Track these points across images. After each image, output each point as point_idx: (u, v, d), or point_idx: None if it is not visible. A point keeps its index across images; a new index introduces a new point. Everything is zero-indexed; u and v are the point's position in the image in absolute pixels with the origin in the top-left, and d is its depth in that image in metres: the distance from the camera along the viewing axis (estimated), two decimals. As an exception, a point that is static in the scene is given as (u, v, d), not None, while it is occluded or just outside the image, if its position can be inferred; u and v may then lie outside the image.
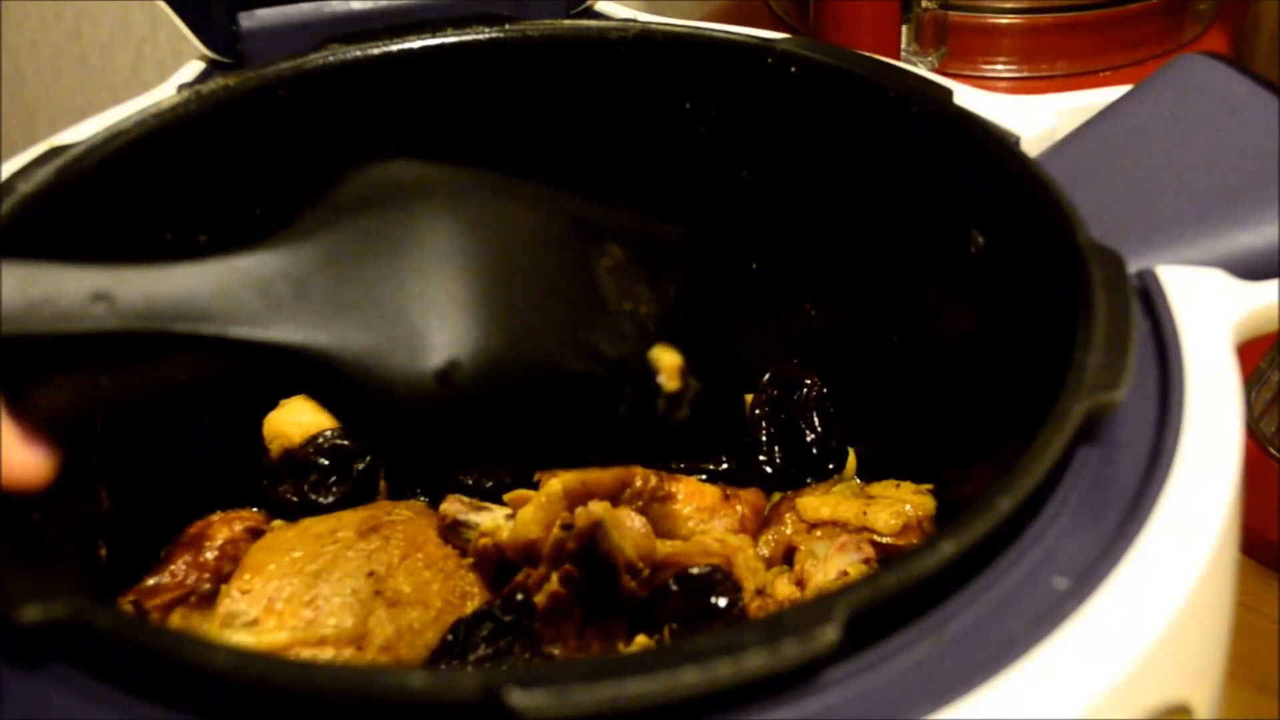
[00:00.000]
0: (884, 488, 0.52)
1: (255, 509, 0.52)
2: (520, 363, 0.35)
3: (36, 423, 0.32)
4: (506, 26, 0.54)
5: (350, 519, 0.49)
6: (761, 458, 0.54)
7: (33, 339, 0.31)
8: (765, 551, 0.50)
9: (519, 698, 0.27)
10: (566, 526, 0.46)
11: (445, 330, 0.34)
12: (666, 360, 0.38)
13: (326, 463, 0.52)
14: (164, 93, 0.52)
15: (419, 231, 0.35)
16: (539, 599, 0.45)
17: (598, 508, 0.46)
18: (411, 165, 0.37)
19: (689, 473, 0.52)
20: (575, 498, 0.47)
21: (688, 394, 0.38)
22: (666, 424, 0.38)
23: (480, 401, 0.35)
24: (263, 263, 0.33)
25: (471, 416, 0.35)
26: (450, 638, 0.44)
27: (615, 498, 0.48)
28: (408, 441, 0.35)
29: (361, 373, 0.33)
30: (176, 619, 0.47)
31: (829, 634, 0.28)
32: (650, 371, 0.38)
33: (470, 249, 0.36)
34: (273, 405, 0.54)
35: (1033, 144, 0.48)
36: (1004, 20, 0.81)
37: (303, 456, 0.52)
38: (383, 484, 0.53)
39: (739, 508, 0.51)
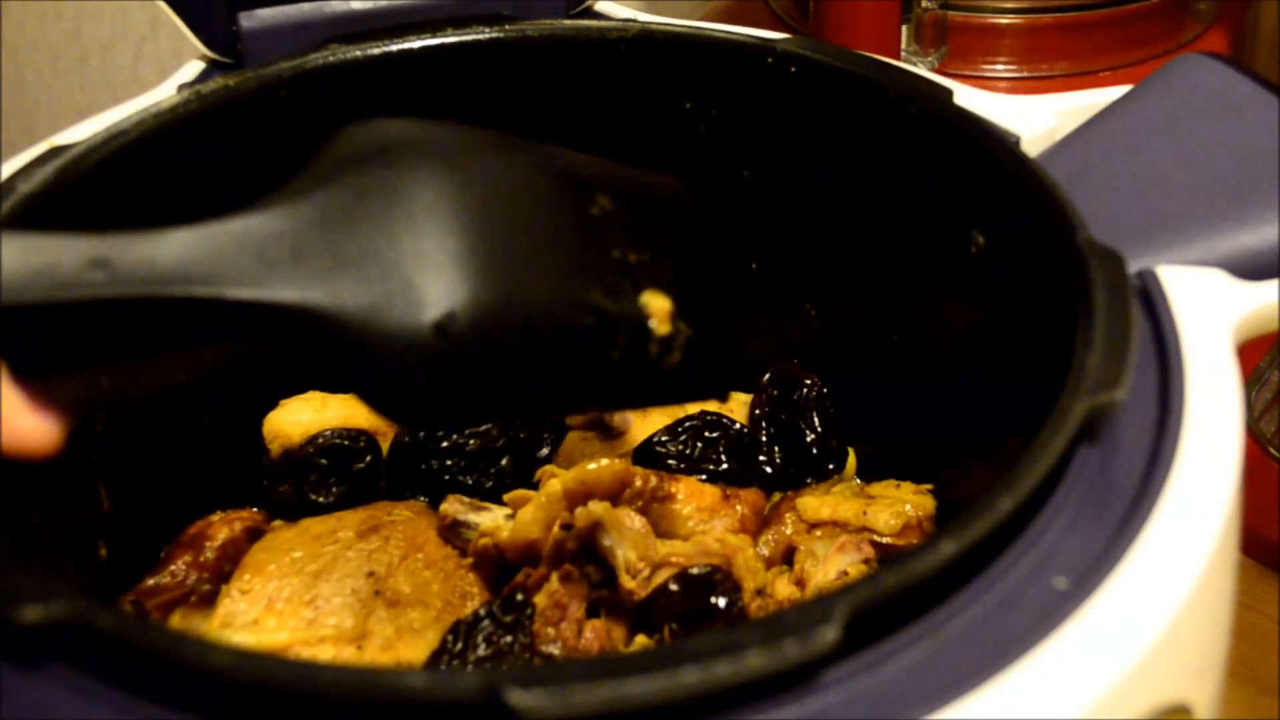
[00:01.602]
0: (884, 488, 0.52)
1: (255, 509, 0.52)
2: (514, 313, 0.36)
3: (42, 391, 0.32)
4: (506, 26, 0.54)
5: (350, 519, 0.49)
6: (761, 458, 0.54)
7: (34, 308, 0.31)
8: (765, 551, 0.50)
9: (519, 698, 0.27)
10: (566, 526, 0.46)
11: (440, 284, 0.35)
12: (657, 305, 0.38)
13: (326, 463, 0.52)
14: (164, 93, 0.52)
15: (410, 187, 0.36)
16: (539, 599, 0.45)
17: (598, 508, 0.46)
18: (400, 122, 0.38)
19: (689, 473, 0.52)
20: (575, 498, 0.47)
21: (679, 338, 0.39)
22: (659, 368, 0.38)
23: (477, 353, 0.35)
24: (258, 224, 0.34)
25: (469, 368, 0.35)
26: (450, 638, 0.44)
27: (615, 498, 0.48)
28: (408, 397, 0.35)
29: (359, 329, 0.34)
30: (176, 619, 0.47)
31: (829, 634, 0.28)
32: (642, 317, 0.38)
33: (461, 203, 0.36)
34: (273, 405, 0.54)
35: (1033, 144, 0.48)
36: (1004, 20, 0.81)
37: (303, 456, 0.52)
38: (382, 484, 0.53)
39: (739, 508, 0.51)
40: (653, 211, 0.41)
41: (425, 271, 0.35)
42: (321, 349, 0.34)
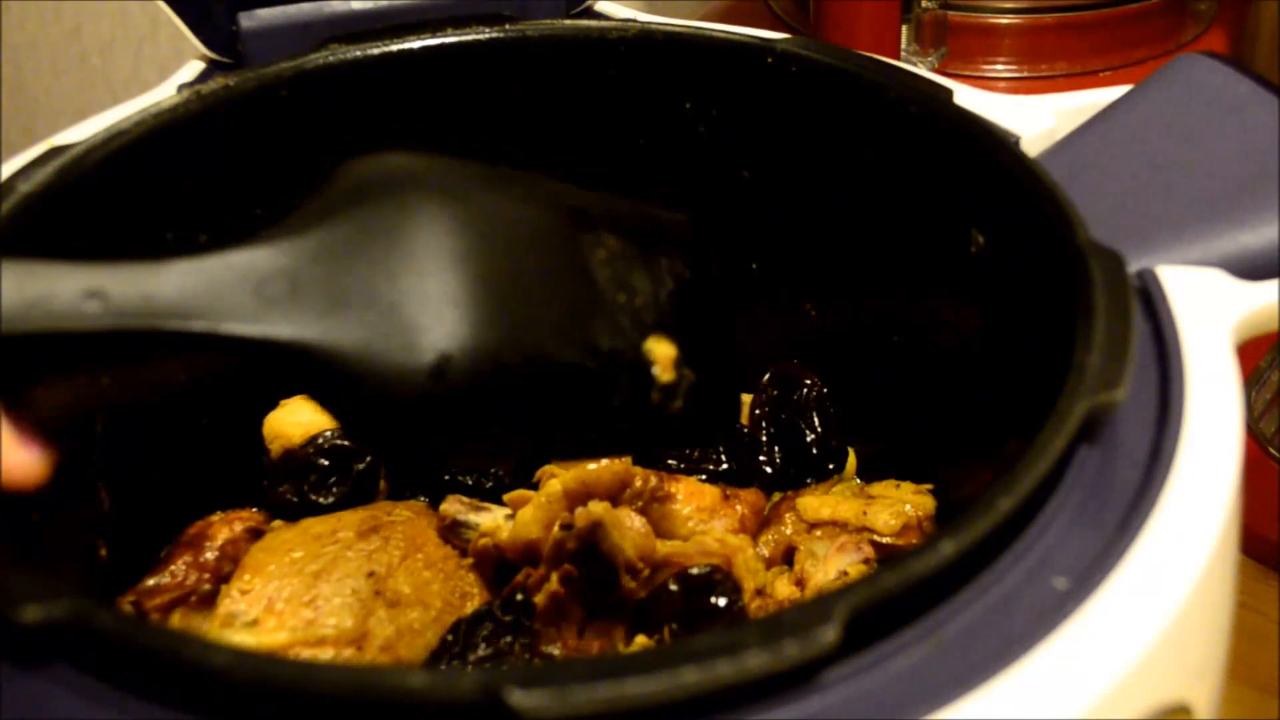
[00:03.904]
0: (884, 488, 0.52)
1: (255, 509, 0.52)
2: (514, 357, 0.35)
3: (33, 423, 0.32)
4: (506, 26, 0.54)
5: (350, 519, 0.49)
6: (761, 458, 0.54)
7: (27, 338, 0.31)
8: (765, 551, 0.50)
9: (519, 698, 0.27)
10: (566, 526, 0.46)
11: (438, 325, 0.34)
12: (661, 351, 0.38)
13: (326, 463, 0.52)
14: (164, 93, 0.52)
15: (412, 226, 0.35)
16: (539, 599, 0.45)
17: (598, 508, 0.46)
18: (404, 157, 0.37)
19: (689, 473, 0.52)
20: (575, 498, 0.47)
21: (682, 385, 0.38)
22: (661, 415, 0.38)
23: (474, 396, 0.35)
24: (257, 258, 0.33)
25: (465, 411, 0.35)
26: (450, 638, 0.44)
27: (615, 498, 0.48)
28: (402, 437, 0.35)
29: (355, 368, 0.33)
30: (176, 619, 0.47)
31: (829, 634, 0.28)
32: (645, 363, 0.38)
33: (463, 243, 0.36)
34: (273, 405, 0.54)
35: (1033, 144, 0.48)
36: (1004, 20, 0.81)
37: (303, 456, 0.52)
38: (383, 484, 0.53)
39: (739, 508, 0.51)
40: (659, 253, 0.40)
41: (424, 313, 0.34)
42: (316, 384, 0.34)
